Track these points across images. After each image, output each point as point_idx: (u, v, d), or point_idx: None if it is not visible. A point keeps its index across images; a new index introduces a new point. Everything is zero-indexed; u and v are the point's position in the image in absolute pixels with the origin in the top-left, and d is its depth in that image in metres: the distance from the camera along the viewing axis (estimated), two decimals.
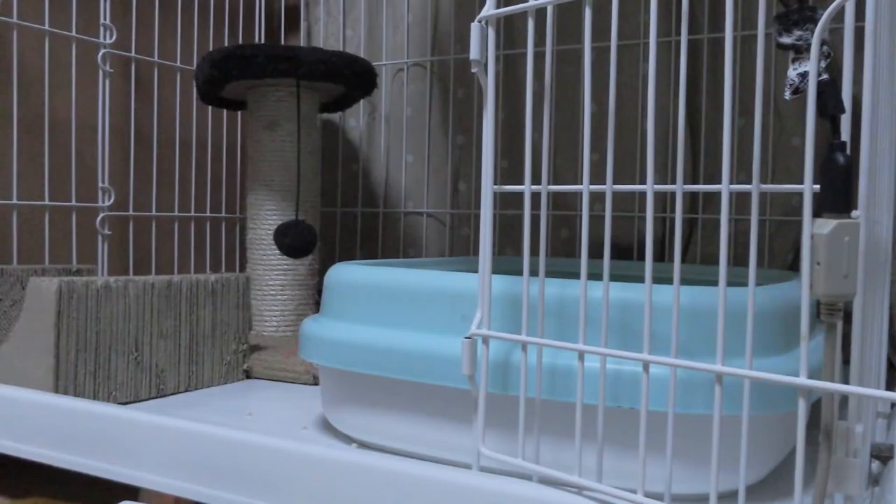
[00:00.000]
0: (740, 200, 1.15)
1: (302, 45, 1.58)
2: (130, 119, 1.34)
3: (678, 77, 1.18)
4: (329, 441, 0.69)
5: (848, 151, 0.41)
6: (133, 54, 1.32)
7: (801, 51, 0.44)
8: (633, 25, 1.22)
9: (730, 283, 0.45)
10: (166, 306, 0.84)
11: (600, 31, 1.22)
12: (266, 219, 1.21)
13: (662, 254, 1.20)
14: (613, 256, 1.21)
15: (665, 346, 0.50)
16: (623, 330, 0.53)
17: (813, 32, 0.42)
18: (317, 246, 1.11)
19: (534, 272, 0.53)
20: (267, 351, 1.04)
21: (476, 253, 1.38)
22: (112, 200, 1.29)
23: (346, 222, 1.53)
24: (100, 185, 1.28)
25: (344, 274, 0.69)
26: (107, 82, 1.28)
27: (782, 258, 1.13)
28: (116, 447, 0.65)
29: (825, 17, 0.40)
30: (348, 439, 0.69)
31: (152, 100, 1.37)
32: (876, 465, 0.56)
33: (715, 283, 0.46)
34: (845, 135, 0.43)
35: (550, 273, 0.55)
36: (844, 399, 0.44)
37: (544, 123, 0.51)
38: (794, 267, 1.11)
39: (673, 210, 1.21)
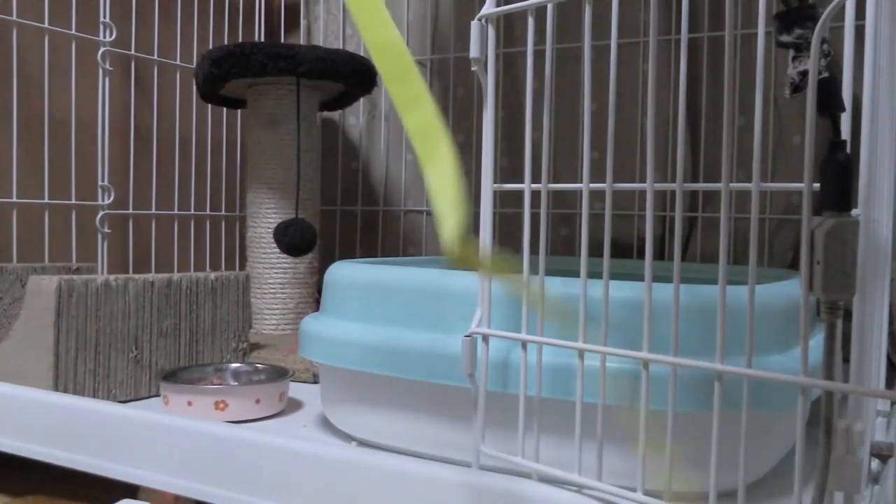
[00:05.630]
0: (740, 199, 1.15)
1: (302, 43, 1.58)
2: (130, 117, 1.33)
3: (678, 75, 1.18)
4: (329, 439, 0.69)
5: (848, 150, 0.41)
6: (133, 52, 1.32)
7: (801, 49, 0.44)
8: (633, 24, 1.22)
9: (729, 282, 0.45)
10: (166, 304, 0.84)
11: (600, 30, 1.22)
12: (266, 217, 1.21)
13: (662, 252, 1.20)
14: (613, 255, 1.21)
15: (665, 345, 0.50)
16: (623, 328, 0.53)
17: (813, 31, 0.42)
18: (316, 244, 1.11)
19: (534, 270, 0.53)
20: (267, 349, 1.04)
21: None
22: (112, 199, 1.29)
23: (345, 220, 1.53)
24: (99, 183, 1.28)
25: (344, 272, 0.69)
26: (107, 80, 1.28)
27: (782, 256, 1.13)
28: (116, 445, 0.65)
29: (825, 15, 0.40)
30: (348, 437, 0.69)
31: (152, 98, 1.36)
32: (875, 463, 0.56)
33: (714, 281, 0.46)
34: (845, 133, 0.43)
35: (550, 271, 0.55)
36: (844, 397, 0.44)
37: (544, 122, 0.50)
38: (794, 265, 1.11)
39: (673, 208, 1.21)
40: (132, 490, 0.65)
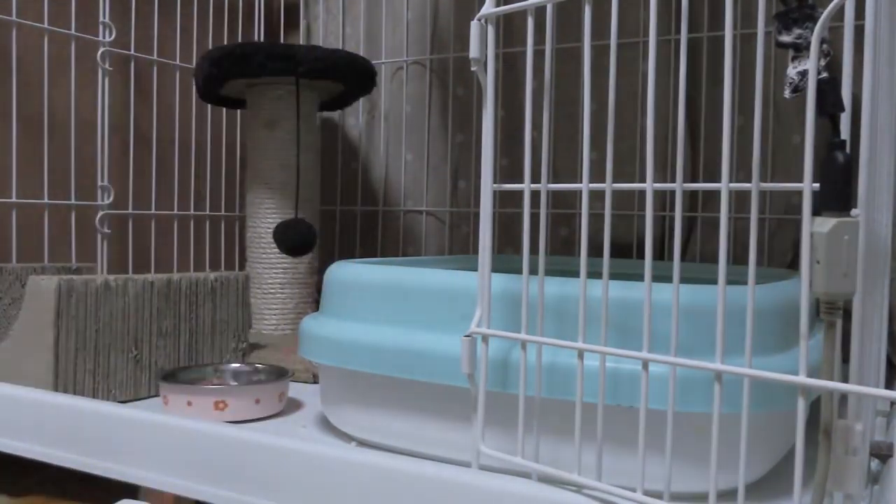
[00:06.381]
0: (740, 199, 1.15)
1: (301, 43, 1.58)
2: (130, 117, 1.33)
3: (678, 75, 1.18)
4: (328, 439, 0.69)
5: (847, 150, 0.41)
6: (132, 52, 1.32)
7: (800, 49, 0.44)
8: (632, 24, 1.22)
9: (729, 282, 0.45)
10: (166, 305, 0.84)
11: (600, 30, 1.22)
12: (265, 217, 1.21)
13: (662, 252, 1.20)
14: (613, 255, 1.21)
15: (664, 345, 0.50)
16: (622, 328, 0.53)
17: (813, 31, 0.42)
18: (316, 244, 1.11)
19: (533, 270, 0.53)
20: (266, 349, 1.04)
21: (475, 251, 1.38)
22: (111, 199, 1.29)
23: (345, 220, 1.53)
24: (99, 183, 1.28)
25: (343, 272, 0.69)
26: (106, 80, 1.28)
27: (782, 257, 1.14)
28: (116, 446, 0.65)
29: (825, 15, 0.40)
30: (348, 437, 0.69)
31: (152, 98, 1.36)
32: (875, 463, 0.56)
33: (714, 281, 0.46)
34: (845, 133, 0.43)
35: (550, 271, 0.55)
36: (844, 397, 0.44)
37: (544, 122, 0.51)
38: (794, 265, 1.12)
39: (672, 208, 1.21)
40: (132, 490, 0.65)
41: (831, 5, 0.39)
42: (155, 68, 1.37)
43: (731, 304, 0.49)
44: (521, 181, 0.53)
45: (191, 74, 1.42)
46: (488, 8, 0.53)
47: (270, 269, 1.21)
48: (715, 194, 1.17)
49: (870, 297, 0.49)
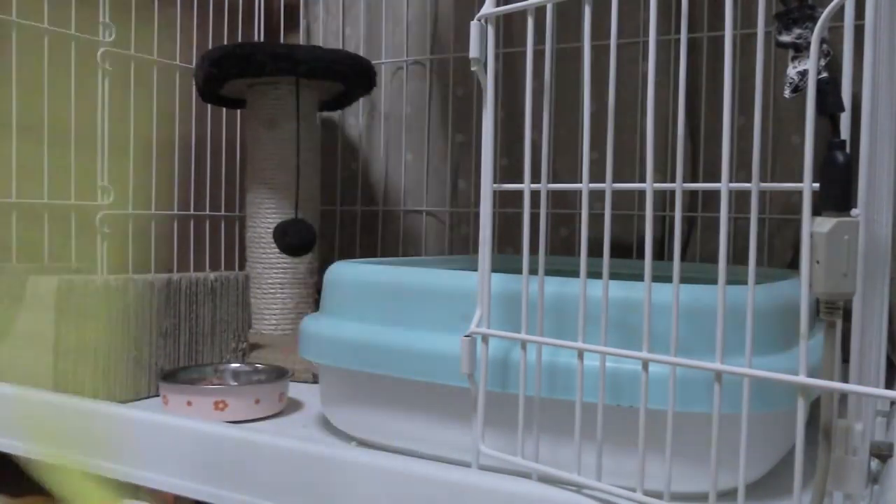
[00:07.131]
0: (740, 199, 1.15)
1: (301, 43, 1.58)
2: (130, 117, 1.33)
3: (678, 75, 1.18)
4: (329, 439, 0.69)
5: (847, 150, 0.41)
6: (132, 53, 1.32)
7: (800, 49, 0.44)
8: (632, 24, 1.22)
9: (729, 282, 0.45)
10: (166, 305, 0.84)
11: (600, 30, 1.22)
12: (265, 217, 1.21)
13: (662, 252, 1.20)
14: (613, 255, 1.21)
15: (664, 345, 0.50)
16: (622, 328, 0.53)
17: (812, 30, 0.42)
18: (316, 244, 1.11)
19: (533, 270, 0.53)
20: (266, 349, 1.04)
21: (475, 251, 1.38)
22: (111, 199, 1.29)
23: (345, 220, 1.52)
24: (99, 183, 1.28)
25: (343, 272, 0.69)
26: (106, 81, 1.28)
27: (782, 256, 1.14)
28: (115, 446, 0.65)
29: (825, 15, 0.40)
30: (348, 437, 0.69)
31: (152, 98, 1.36)
32: (875, 463, 0.56)
33: (714, 281, 0.46)
34: (845, 133, 0.43)
35: (550, 271, 0.55)
36: (844, 397, 0.44)
37: (544, 122, 0.51)
38: (794, 265, 1.12)
39: (672, 208, 1.21)
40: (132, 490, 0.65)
41: (831, 5, 0.39)
42: (155, 68, 1.37)
43: (731, 304, 0.49)
44: (521, 181, 0.53)
45: (191, 74, 1.42)
46: (488, 8, 0.53)
47: (270, 269, 1.21)
48: (715, 194, 1.17)
49: (870, 297, 0.49)
